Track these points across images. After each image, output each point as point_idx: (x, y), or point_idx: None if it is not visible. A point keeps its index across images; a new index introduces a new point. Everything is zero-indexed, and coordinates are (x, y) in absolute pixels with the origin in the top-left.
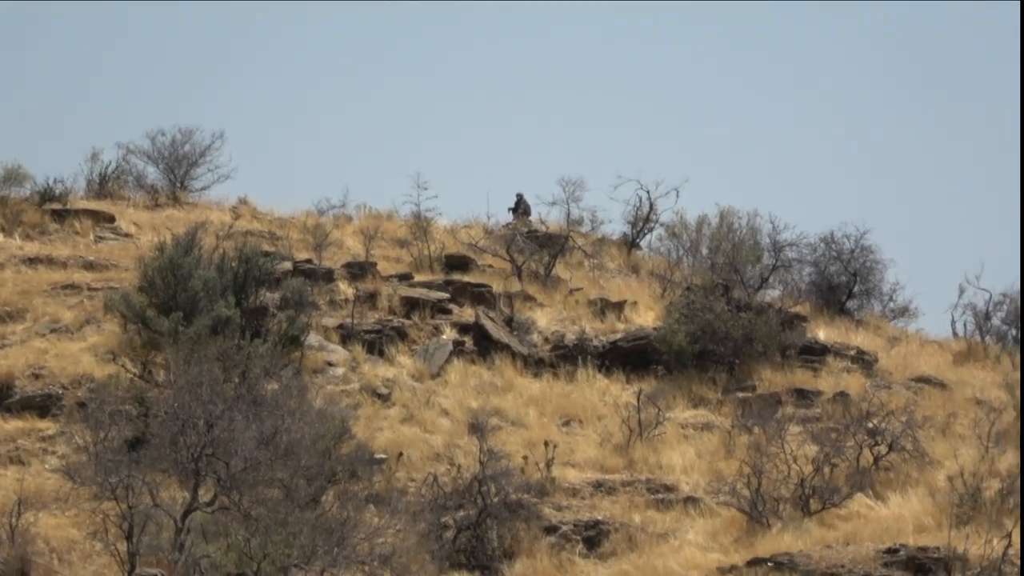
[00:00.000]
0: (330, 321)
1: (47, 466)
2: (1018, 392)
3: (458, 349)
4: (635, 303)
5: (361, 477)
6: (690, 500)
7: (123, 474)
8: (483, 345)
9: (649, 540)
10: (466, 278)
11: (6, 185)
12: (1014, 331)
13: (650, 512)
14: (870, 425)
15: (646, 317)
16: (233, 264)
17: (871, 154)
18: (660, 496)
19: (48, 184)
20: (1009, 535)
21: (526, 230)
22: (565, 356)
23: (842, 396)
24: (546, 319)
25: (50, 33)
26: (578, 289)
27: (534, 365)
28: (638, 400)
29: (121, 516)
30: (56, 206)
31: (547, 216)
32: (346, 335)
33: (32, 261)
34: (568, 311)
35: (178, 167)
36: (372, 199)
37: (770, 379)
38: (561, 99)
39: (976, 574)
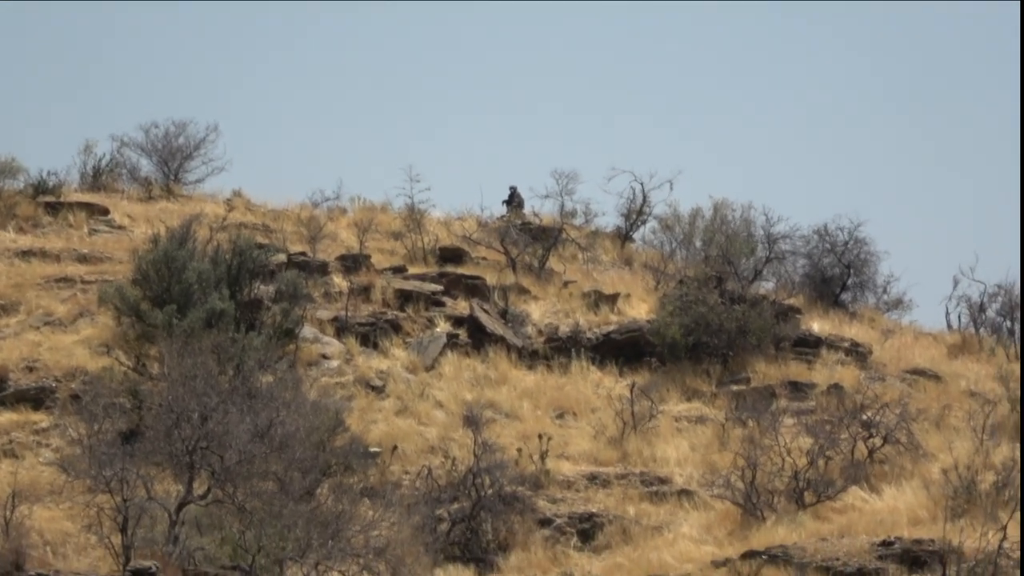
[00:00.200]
0: (324, 314)
1: (41, 459)
2: (1012, 384)
3: (452, 342)
4: (629, 295)
5: (356, 470)
6: (684, 493)
7: (117, 467)
8: (477, 337)
9: (643, 533)
10: (460, 270)
11: (0, 178)
12: (1009, 323)
13: (644, 505)
14: (864, 418)
15: (640, 309)
16: (227, 257)
17: (865, 146)
18: (654, 489)
19: (42, 177)
20: (1004, 528)
21: (520, 223)
22: (559, 348)
23: (836, 389)
24: (540, 311)
25: (43, 25)
26: (572, 282)
27: (528, 357)
28: (632, 393)
29: (115, 509)
30: (50, 199)
31: (541, 209)
32: (340, 328)
33: (26, 254)
34: (562, 304)
35: (172, 159)
36: (366, 191)
37: (764, 371)
38: (554, 91)
39: (971, 567)
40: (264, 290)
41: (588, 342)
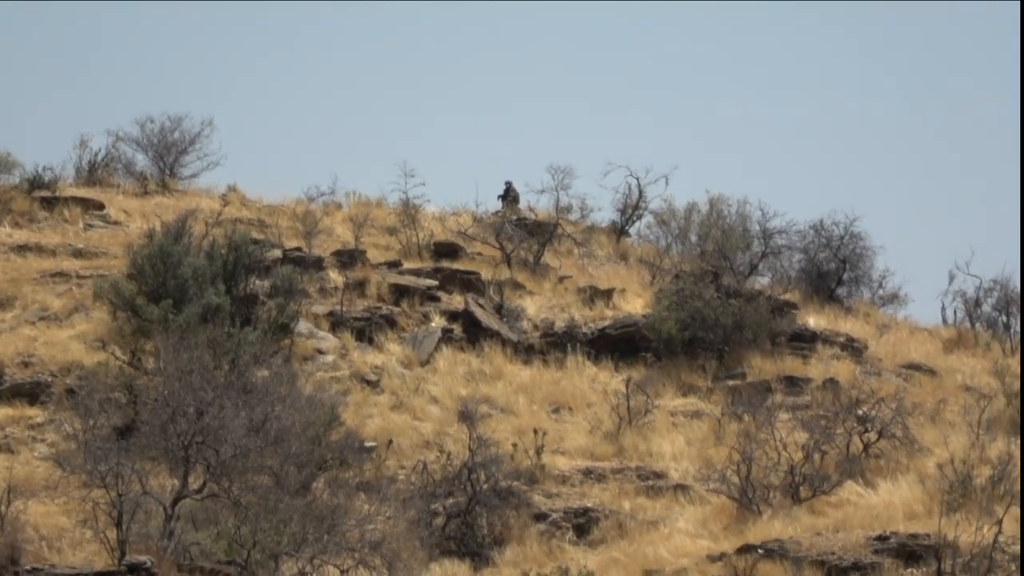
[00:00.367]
0: (320, 308)
1: (36, 454)
2: (1008, 379)
3: (447, 336)
4: (624, 290)
5: (351, 464)
6: (680, 487)
7: (113, 462)
8: (472, 332)
9: (639, 527)
10: (455, 266)
11: None
12: (1004, 318)
13: (640, 499)
14: (860, 412)
15: (635, 304)
16: (223, 252)
17: (861, 141)
18: (650, 483)
19: (37, 171)
20: (999, 522)
21: (515, 218)
22: (554, 343)
23: (832, 383)
24: (535, 306)
25: (39, 20)
26: (567, 277)
27: (523, 352)
28: (627, 388)
29: (111, 504)
30: (45, 194)
31: (536, 204)
32: (336, 322)
33: (21, 249)
34: (557, 298)
35: (167, 154)
36: (361, 186)
37: (760, 366)
38: (550, 87)
39: (966, 561)
40: (259, 285)
41: (583, 337)
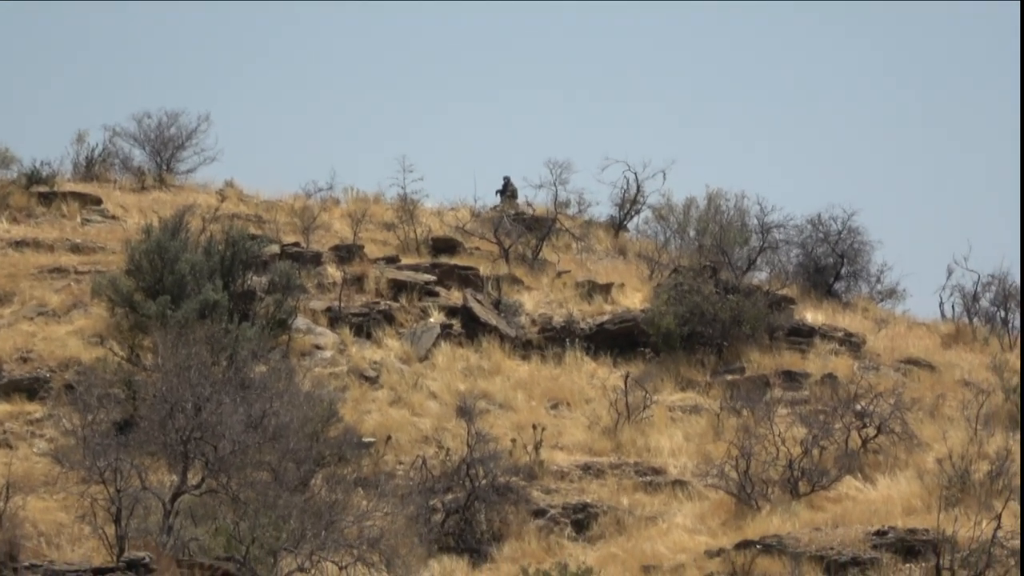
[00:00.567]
0: (318, 304)
1: (35, 449)
2: (1006, 374)
3: (446, 332)
4: (622, 285)
5: (349, 460)
6: (678, 483)
7: (111, 457)
8: (471, 328)
9: (637, 523)
10: (453, 261)
11: None
12: (1003, 312)
13: (638, 495)
14: (858, 407)
15: (633, 299)
16: (220, 247)
17: (859, 135)
18: (648, 479)
19: (35, 167)
20: (998, 517)
21: (513, 213)
22: (553, 339)
23: (830, 378)
24: (533, 302)
25: (35, 15)
26: (565, 272)
27: (522, 348)
28: (626, 383)
29: (109, 499)
30: (43, 189)
31: (534, 199)
32: (334, 318)
33: (19, 244)
34: (555, 294)
35: (164, 150)
36: (359, 181)
37: (758, 361)
38: (547, 81)
39: (965, 556)
40: (257, 281)
41: (582, 332)
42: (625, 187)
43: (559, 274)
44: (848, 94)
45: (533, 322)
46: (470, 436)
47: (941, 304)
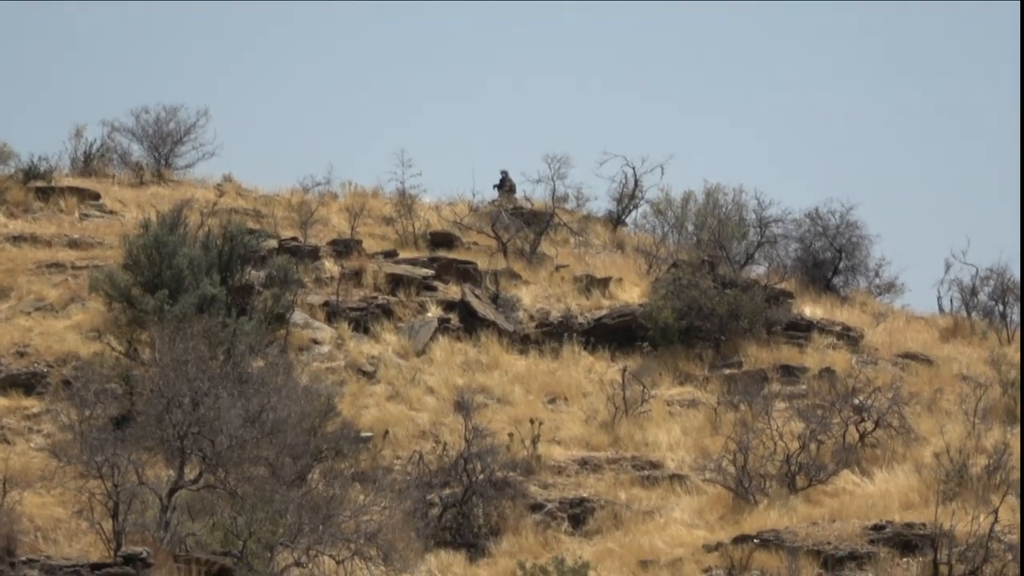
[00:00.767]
0: (315, 299)
1: (32, 444)
2: (1004, 368)
3: (443, 326)
4: (620, 280)
5: (347, 455)
6: (676, 477)
7: (108, 452)
8: (468, 322)
9: (635, 518)
10: (451, 255)
11: None
12: (1001, 306)
13: (636, 489)
14: (856, 401)
15: (631, 294)
16: (218, 242)
17: (857, 129)
18: (646, 473)
19: (32, 162)
20: (995, 511)
21: (511, 207)
22: (550, 333)
23: (828, 372)
24: (531, 296)
25: (33, 10)
26: (563, 266)
27: (519, 342)
28: (623, 377)
29: (107, 494)
30: (40, 184)
31: (532, 193)
32: (331, 312)
33: (17, 239)
34: (553, 288)
35: (162, 144)
36: (357, 176)
37: (756, 355)
38: (546, 75)
39: (962, 550)
40: (255, 275)
41: (580, 326)
42: (623, 181)
43: (557, 268)
44: (846, 88)
45: (531, 316)
46: (467, 431)
47: (939, 298)
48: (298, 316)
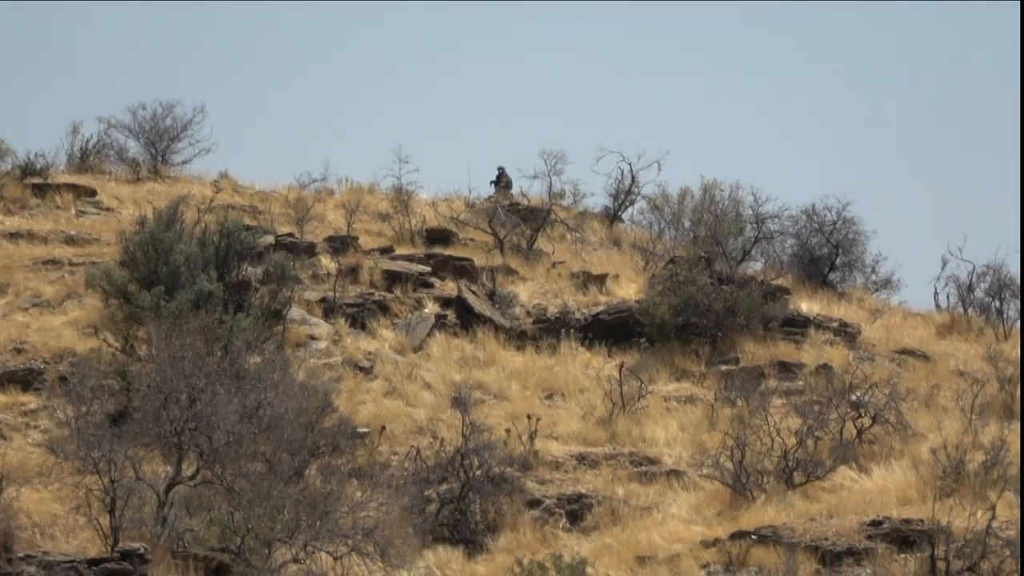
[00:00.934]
0: (312, 295)
1: (29, 440)
2: (1001, 364)
3: (440, 322)
4: (617, 276)
5: (344, 451)
6: (673, 473)
7: (106, 448)
8: (465, 318)
9: (632, 513)
10: (448, 252)
11: None
12: (997, 303)
13: (633, 485)
14: (853, 397)
15: (628, 290)
16: (215, 238)
17: (853, 125)
18: (643, 469)
19: (29, 158)
20: (993, 507)
21: (508, 203)
22: (547, 329)
23: (825, 368)
24: (528, 292)
25: (29, 7)
26: (560, 262)
27: (516, 338)
28: (620, 373)
29: (104, 490)
30: (37, 180)
31: (529, 189)
32: (328, 309)
33: (13, 236)
34: (550, 284)
35: (159, 141)
36: (353, 172)
37: (753, 352)
38: (542, 72)
39: (960, 546)
40: (252, 272)
41: (577, 323)
42: (620, 178)
43: (554, 265)
44: (843, 84)
45: (528, 313)
46: (465, 426)
47: (936, 294)
48: (295, 312)
